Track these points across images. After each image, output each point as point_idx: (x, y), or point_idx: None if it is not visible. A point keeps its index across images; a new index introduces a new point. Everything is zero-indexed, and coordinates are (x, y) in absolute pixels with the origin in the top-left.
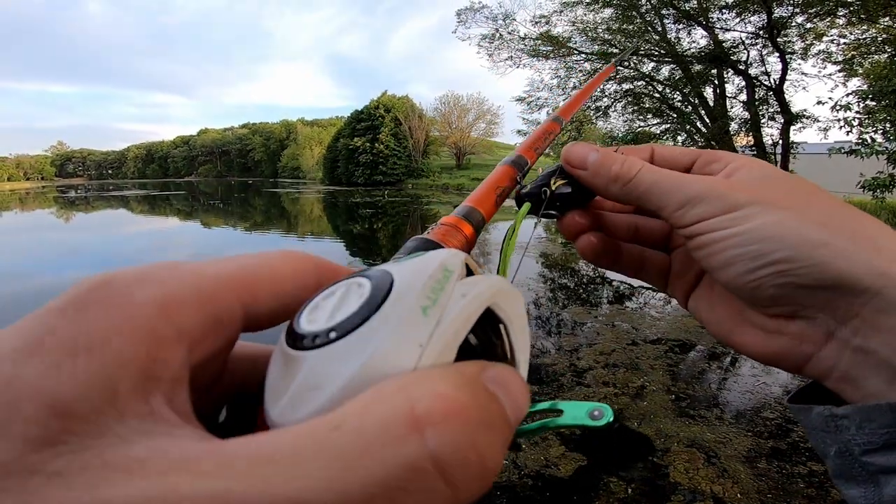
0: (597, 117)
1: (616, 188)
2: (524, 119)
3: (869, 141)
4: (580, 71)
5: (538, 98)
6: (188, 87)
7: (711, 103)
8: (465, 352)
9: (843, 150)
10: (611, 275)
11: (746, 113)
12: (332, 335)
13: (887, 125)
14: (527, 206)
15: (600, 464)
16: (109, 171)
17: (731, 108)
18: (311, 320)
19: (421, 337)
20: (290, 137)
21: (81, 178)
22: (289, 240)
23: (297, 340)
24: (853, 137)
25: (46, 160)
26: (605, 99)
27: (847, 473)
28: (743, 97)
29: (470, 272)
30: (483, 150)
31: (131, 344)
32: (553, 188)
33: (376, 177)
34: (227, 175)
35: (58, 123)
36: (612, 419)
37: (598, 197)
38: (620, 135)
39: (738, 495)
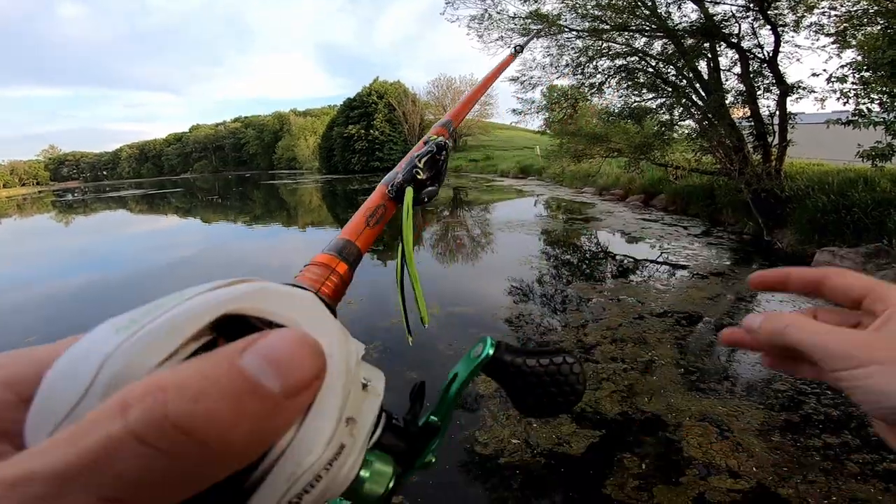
0: (591, 94)
1: (768, 338)
2: (518, 98)
3: (866, 112)
4: (572, 48)
5: (531, 77)
6: (176, 85)
7: (706, 77)
8: None
9: (840, 122)
10: (613, 249)
11: (741, 85)
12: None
13: (883, 96)
14: (410, 190)
15: (613, 440)
16: (104, 173)
17: (726, 80)
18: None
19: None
20: (283, 129)
21: (76, 181)
22: (290, 231)
23: None
24: (850, 108)
25: (40, 165)
26: (599, 76)
27: None
28: (737, 70)
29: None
30: (479, 130)
31: None
32: (422, 173)
33: (373, 163)
34: (222, 170)
35: (47, 128)
36: (490, 352)
37: None
38: (616, 110)
39: (754, 469)
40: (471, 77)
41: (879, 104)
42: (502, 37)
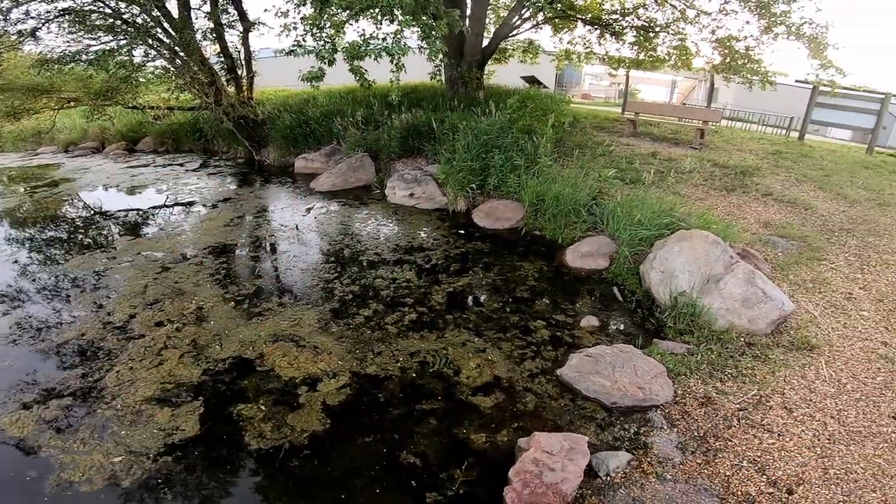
0: (21, 42)
1: None
2: None
3: (302, 42)
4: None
5: None
6: None
7: (176, 15)
8: None
9: (285, 52)
10: (108, 206)
11: (211, 23)
12: None
13: (313, 28)
14: None
15: (217, 402)
16: None
17: (196, 18)
18: None
19: None
20: None
21: None
22: None
23: None
24: (291, 40)
25: None
26: (31, 21)
27: None
28: (206, 8)
29: None
30: None
31: None
32: None
33: None
34: None
35: None
36: None
37: None
38: (59, 56)
39: (339, 362)
40: None
41: (311, 35)
42: None
